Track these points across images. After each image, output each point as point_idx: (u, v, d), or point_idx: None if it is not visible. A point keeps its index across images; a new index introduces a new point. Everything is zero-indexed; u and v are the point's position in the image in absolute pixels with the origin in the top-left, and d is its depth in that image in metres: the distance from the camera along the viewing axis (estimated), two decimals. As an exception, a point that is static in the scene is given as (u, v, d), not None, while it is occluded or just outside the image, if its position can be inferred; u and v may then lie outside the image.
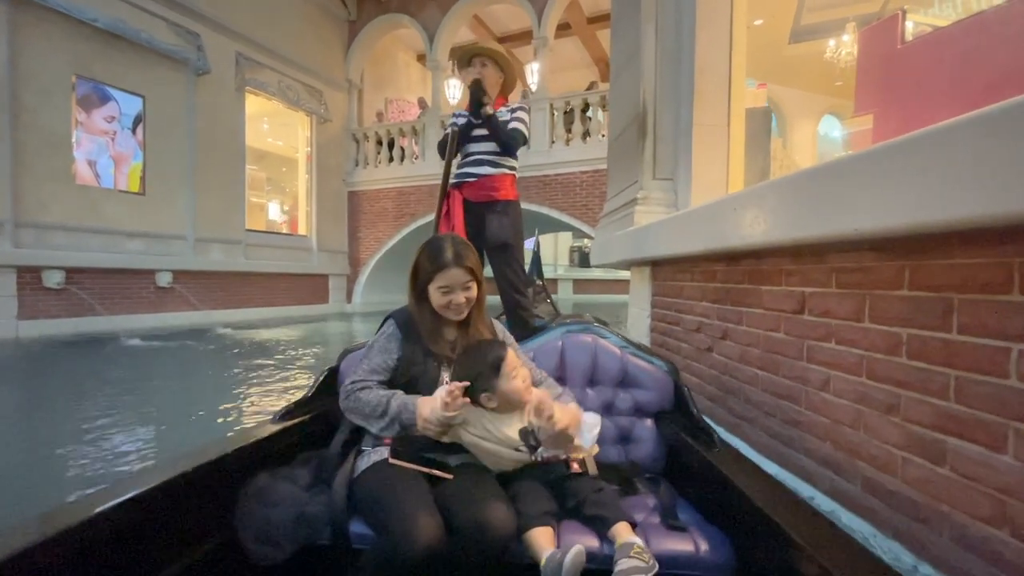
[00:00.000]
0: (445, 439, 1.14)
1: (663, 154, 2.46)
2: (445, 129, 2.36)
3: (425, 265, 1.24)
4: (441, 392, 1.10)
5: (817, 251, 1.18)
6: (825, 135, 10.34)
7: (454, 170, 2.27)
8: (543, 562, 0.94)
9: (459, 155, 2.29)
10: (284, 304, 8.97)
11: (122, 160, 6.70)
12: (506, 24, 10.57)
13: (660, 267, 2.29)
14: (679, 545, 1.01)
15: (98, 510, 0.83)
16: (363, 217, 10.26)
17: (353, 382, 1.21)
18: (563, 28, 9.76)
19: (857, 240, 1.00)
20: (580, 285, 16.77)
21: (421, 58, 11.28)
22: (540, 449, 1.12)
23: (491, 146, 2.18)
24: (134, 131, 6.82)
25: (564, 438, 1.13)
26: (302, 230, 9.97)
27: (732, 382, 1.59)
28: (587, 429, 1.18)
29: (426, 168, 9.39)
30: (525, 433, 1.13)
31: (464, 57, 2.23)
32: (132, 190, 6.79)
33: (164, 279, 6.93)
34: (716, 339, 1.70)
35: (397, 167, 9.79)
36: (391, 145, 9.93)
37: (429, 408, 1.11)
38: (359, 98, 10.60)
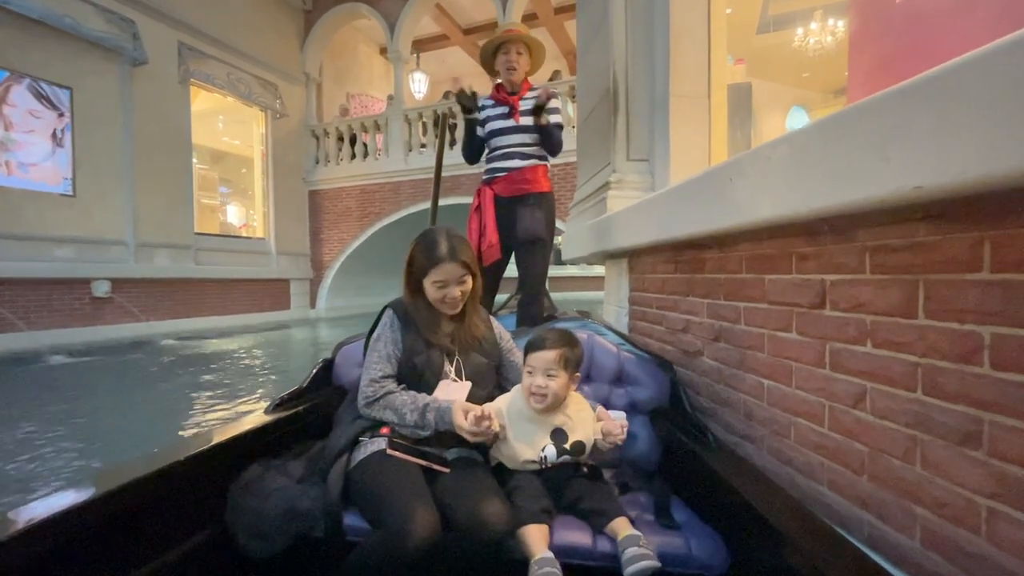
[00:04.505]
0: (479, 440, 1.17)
1: (637, 131, 2.18)
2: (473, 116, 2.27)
3: (420, 259, 1.25)
4: (470, 418, 1.11)
5: (842, 225, 0.91)
6: (790, 129, 10.37)
7: (483, 164, 2.21)
8: (531, 565, 0.94)
9: (487, 149, 2.22)
10: (241, 312, 8.41)
11: (47, 158, 6.07)
12: (470, 14, 10.22)
13: (638, 258, 2.01)
14: (672, 543, 1.01)
15: (88, 498, 0.82)
16: (325, 217, 9.76)
17: (373, 381, 1.21)
18: (530, 18, 9.49)
19: (906, 206, 0.72)
20: (555, 283, 16.46)
21: (384, 51, 10.81)
22: (563, 457, 1.17)
23: (519, 138, 2.08)
24: (60, 126, 6.18)
25: (606, 452, 1.20)
26: (259, 232, 9.40)
27: (730, 393, 1.31)
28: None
29: (390, 165, 8.98)
30: (557, 433, 1.18)
31: (492, 47, 2.14)
32: (59, 191, 6.16)
33: (101, 288, 6.33)
34: (708, 341, 1.42)
35: (360, 164, 9.34)
36: (353, 141, 9.46)
37: (462, 421, 1.12)
38: (318, 92, 10.09)
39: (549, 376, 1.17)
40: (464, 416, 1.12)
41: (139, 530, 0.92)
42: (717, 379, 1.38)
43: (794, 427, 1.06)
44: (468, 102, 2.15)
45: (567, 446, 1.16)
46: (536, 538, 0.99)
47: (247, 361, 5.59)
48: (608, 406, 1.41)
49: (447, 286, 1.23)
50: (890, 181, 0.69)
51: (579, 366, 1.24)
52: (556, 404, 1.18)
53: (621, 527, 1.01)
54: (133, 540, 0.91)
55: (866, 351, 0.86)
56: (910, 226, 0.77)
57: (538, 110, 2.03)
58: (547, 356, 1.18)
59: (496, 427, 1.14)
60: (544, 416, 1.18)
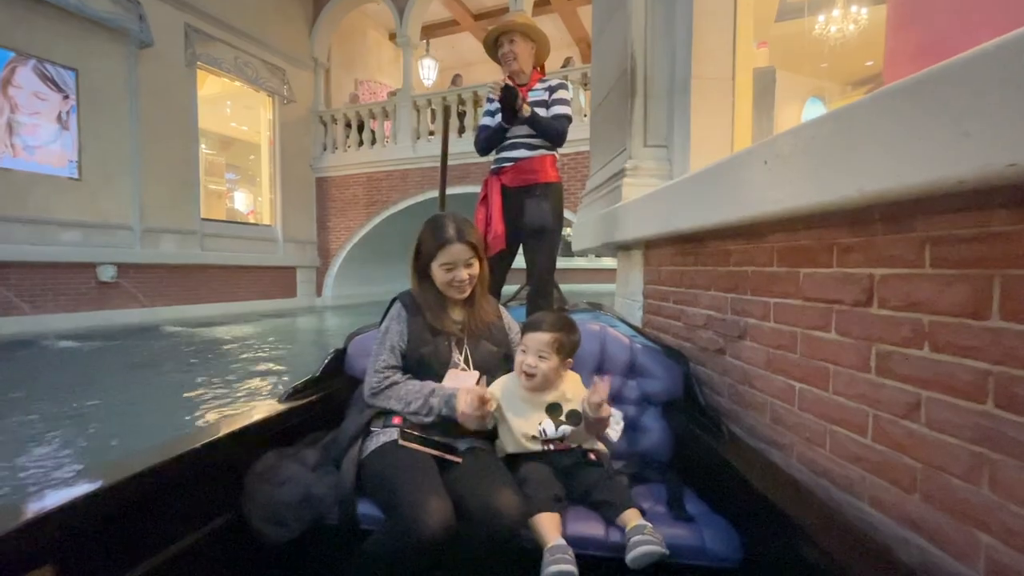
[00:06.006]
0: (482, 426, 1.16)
1: (656, 115, 2.07)
2: (487, 103, 2.20)
3: (428, 243, 1.25)
4: (469, 399, 1.11)
5: (896, 213, 0.81)
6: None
7: (491, 155, 2.18)
8: (545, 553, 0.94)
9: None
10: (247, 299, 8.40)
11: (52, 141, 6.03)
12: (481, 0, 10.02)
13: (654, 249, 1.91)
14: (685, 535, 1.00)
15: (107, 484, 0.82)
16: (332, 205, 9.69)
17: (377, 371, 1.22)
18: (542, 5, 9.29)
19: (983, 191, 0.62)
20: (563, 275, 16.19)
21: (394, 37, 10.65)
22: (561, 428, 1.17)
23: (526, 128, 2.01)
24: (66, 108, 6.13)
25: (599, 426, 1.16)
26: (266, 219, 9.36)
27: (755, 395, 1.22)
28: (615, 421, 1.18)
29: (397, 152, 8.87)
30: (553, 407, 1.18)
31: (490, 40, 2.08)
32: (65, 174, 6.13)
33: (107, 273, 6.32)
34: (731, 338, 1.33)
35: (368, 151, 9.23)
36: (361, 128, 9.35)
37: (464, 403, 1.12)
38: (326, 78, 9.96)
39: (541, 357, 1.19)
40: (465, 400, 1.12)
41: (157, 516, 0.93)
42: (741, 379, 1.29)
43: (830, 436, 0.96)
44: (512, 97, 1.92)
45: (563, 417, 1.18)
46: (548, 526, 0.99)
47: (252, 350, 5.55)
48: (620, 398, 1.42)
49: (455, 268, 1.24)
50: (973, 158, 0.59)
51: (573, 352, 1.26)
52: (545, 385, 1.20)
53: (631, 518, 1.01)
54: (151, 525, 0.92)
55: (922, 355, 0.76)
56: (984, 214, 0.67)
57: (512, 108, 1.91)
58: (541, 338, 1.20)
59: (492, 407, 1.15)
60: (537, 395, 1.20)
